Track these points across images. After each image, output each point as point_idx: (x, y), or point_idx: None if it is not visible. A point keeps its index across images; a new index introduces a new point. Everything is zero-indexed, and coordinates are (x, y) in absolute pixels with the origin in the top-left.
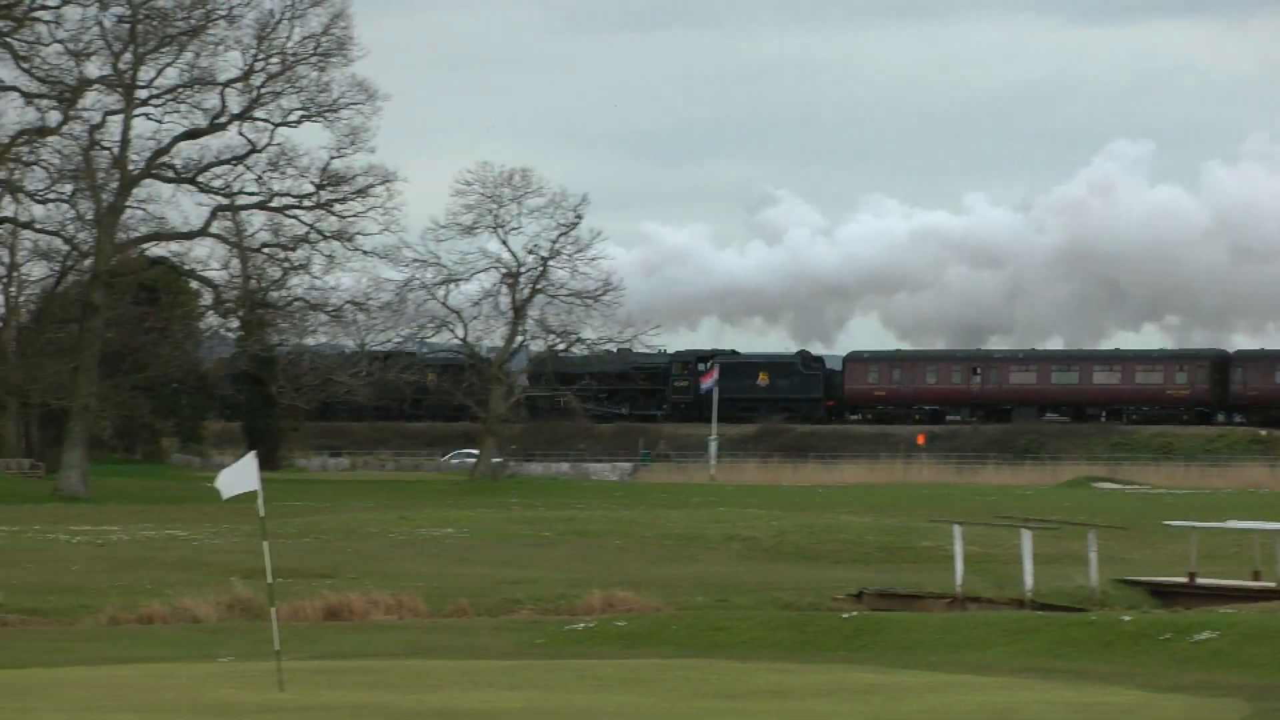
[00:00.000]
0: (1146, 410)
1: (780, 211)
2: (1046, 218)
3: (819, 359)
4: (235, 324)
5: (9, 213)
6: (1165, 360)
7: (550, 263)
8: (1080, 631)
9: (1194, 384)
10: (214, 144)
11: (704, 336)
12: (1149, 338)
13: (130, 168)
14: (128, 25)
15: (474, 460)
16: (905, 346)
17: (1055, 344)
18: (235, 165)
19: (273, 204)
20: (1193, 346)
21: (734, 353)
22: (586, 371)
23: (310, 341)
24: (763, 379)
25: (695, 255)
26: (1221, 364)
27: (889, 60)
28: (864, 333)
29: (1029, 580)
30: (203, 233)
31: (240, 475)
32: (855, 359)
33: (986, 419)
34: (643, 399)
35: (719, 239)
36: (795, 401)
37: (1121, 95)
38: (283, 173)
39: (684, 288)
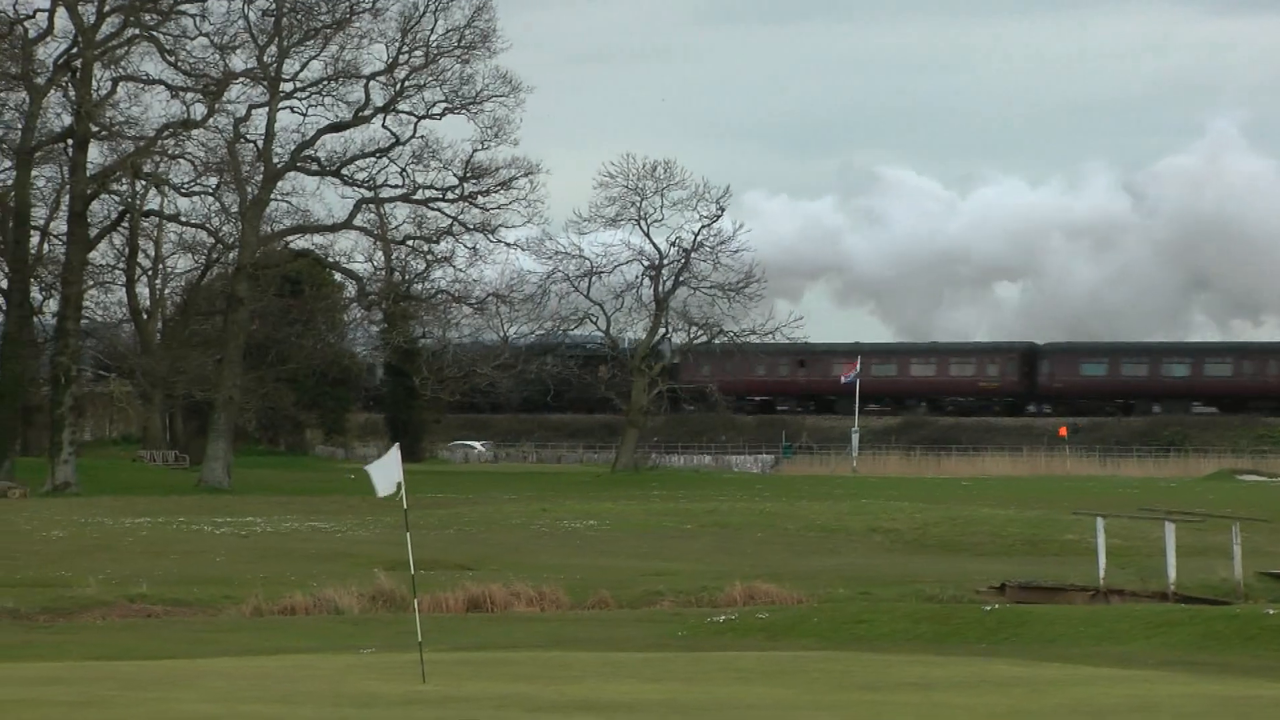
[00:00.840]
0: (961, 401)
1: (899, 197)
2: (1149, 189)
3: (658, 352)
4: (379, 316)
5: (154, 206)
6: (978, 353)
7: (693, 255)
8: (1224, 625)
9: (1004, 376)
10: (358, 137)
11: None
12: (1231, 333)
13: (274, 160)
14: (272, 18)
15: (474, 449)
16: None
17: (1132, 337)
18: (379, 158)
19: (416, 196)
20: (1005, 340)
21: (582, 345)
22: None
23: (453, 334)
24: (603, 371)
25: (812, 236)
26: (1030, 356)
27: (1030, 52)
28: (964, 325)
29: (1172, 573)
30: (346, 225)
31: (388, 470)
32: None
33: (814, 410)
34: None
35: (837, 223)
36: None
37: (1262, 89)
38: (426, 165)
39: (794, 268)
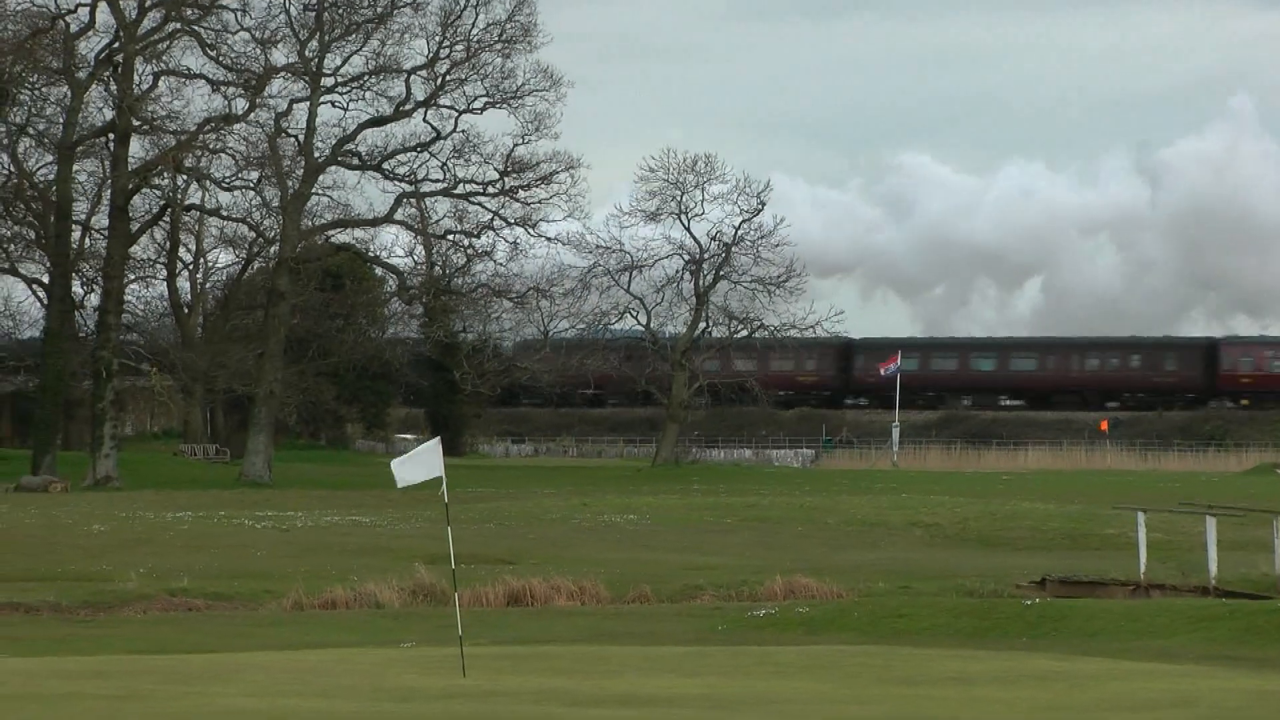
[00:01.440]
0: (781, 395)
1: (920, 190)
2: (1164, 174)
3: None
4: (419, 310)
5: (195, 200)
6: (796, 348)
7: (733, 249)
8: (1265, 619)
9: (821, 370)
10: (399, 131)
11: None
12: (1234, 327)
13: (315, 155)
14: (314, 13)
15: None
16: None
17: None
18: (420, 152)
19: (457, 191)
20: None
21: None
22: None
23: (494, 328)
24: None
25: (834, 222)
26: (846, 351)
27: (1068, 48)
28: (971, 323)
29: (1213, 567)
30: (387, 219)
31: (423, 462)
32: (525, 347)
33: (642, 403)
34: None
35: (863, 213)
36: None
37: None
38: (467, 159)
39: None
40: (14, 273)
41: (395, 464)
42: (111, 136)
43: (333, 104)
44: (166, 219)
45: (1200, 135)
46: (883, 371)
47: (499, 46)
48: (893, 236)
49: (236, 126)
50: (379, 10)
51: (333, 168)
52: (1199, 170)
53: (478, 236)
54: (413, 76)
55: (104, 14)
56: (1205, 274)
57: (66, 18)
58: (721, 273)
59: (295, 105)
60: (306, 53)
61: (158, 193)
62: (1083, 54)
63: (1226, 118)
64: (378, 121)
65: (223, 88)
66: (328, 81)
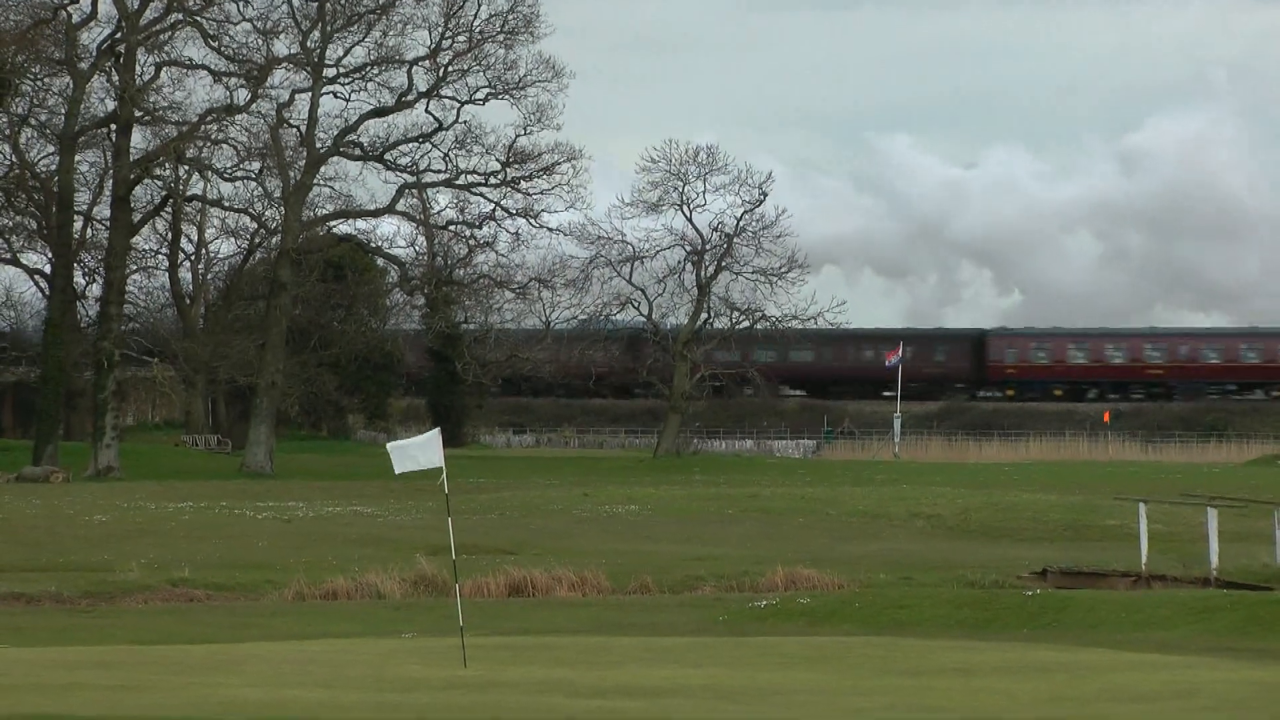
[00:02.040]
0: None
1: (906, 181)
2: (1139, 158)
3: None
4: (421, 301)
5: (197, 190)
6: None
7: (735, 240)
8: (1266, 610)
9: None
10: (401, 122)
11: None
12: (1206, 321)
13: (317, 146)
14: (316, 3)
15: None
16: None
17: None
18: (422, 143)
19: (459, 181)
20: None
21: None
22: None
23: (495, 319)
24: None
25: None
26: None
27: (1078, 42)
28: (962, 314)
29: (1214, 559)
30: (389, 210)
31: (423, 451)
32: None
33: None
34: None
35: (848, 206)
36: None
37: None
38: (469, 150)
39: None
40: (16, 263)
41: (392, 447)
42: (113, 127)
43: (335, 95)
44: (168, 209)
45: (1185, 124)
46: (887, 364)
47: (501, 37)
48: (883, 225)
49: (238, 117)
50: (381, 1)
51: (334, 158)
52: (1183, 160)
53: (479, 227)
54: (415, 67)
55: (106, 4)
56: (1177, 266)
57: (68, 8)
58: (723, 264)
59: (297, 96)
60: (308, 43)
61: (159, 183)
62: (1083, 50)
63: (1213, 109)
64: (380, 112)
65: (225, 78)
66: (330, 72)
